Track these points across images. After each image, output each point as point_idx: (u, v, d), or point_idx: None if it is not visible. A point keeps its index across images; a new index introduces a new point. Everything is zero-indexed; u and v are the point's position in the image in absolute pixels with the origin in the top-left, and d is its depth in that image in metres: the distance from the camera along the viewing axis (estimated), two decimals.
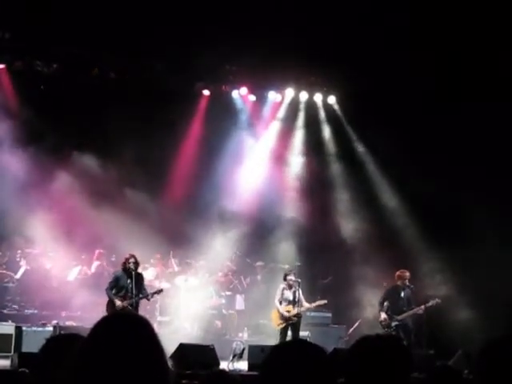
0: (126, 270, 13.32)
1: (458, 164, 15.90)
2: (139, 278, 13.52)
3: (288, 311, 14.31)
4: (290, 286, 14.44)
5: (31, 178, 16.36)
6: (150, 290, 14.82)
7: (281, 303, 14.41)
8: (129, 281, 13.25)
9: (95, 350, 2.26)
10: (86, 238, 16.58)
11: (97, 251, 17.10)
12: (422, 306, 14.11)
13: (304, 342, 2.63)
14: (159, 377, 2.29)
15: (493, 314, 14.85)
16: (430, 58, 15.68)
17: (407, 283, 14.29)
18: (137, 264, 13.45)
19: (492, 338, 3.17)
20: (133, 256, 13.50)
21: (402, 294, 14.33)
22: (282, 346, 2.54)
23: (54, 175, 16.75)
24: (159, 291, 14.15)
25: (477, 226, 16.00)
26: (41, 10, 14.93)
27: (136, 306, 13.30)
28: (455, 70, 15.98)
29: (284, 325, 14.31)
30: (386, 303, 14.32)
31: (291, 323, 14.33)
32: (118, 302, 13.12)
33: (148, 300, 13.74)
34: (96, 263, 17.06)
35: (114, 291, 13.29)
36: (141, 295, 13.38)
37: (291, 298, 14.37)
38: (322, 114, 19.58)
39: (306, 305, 14.62)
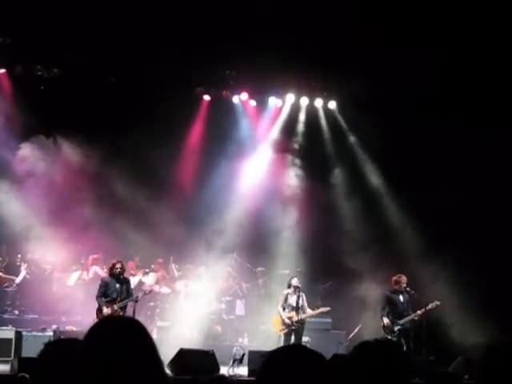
0: (114, 276, 13.84)
1: (461, 168, 15.87)
2: (126, 283, 14.08)
3: (290, 317, 14.36)
4: (294, 292, 14.50)
5: (31, 182, 16.37)
6: (149, 295, 14.93)
7: (284, 309, 14.47)
8: (117, 285, 13.78)
9: (90, 355, 2.26)
10: (86, 243, 16.59)
11: (91, 257, 17.10)
12: (423, 309, 14.10)
13: (302, 347, 2.62)
14: (155, 380, 2.29)
15: (493, 319, 14.82)
16: (431, 62, 15.67)
17: (405, 287, 14.29)
18: (123, 269, 14.07)
19: (493, 343, 3.17)
20: (119, 262, 14.12)
21: (402, 299, 14.32)
22: (280, 350, 2.52)
23: (53, 180, 16.73)
24: (148, 292, 14.92)
25: (479, 228, 16.01)
26: (41, 14, 14.95)
27: (124, 309, 13.71)
28: (457, 73, 15.97)
29: (286, 330, 14.36)
30: (386, 308, 14.33)
31: (294, 329, 14.36)
32: (105, 309, 13.52)
33: (136, 302, 13.97)
34: (93, 268, 17.02)
35: (103, 297, 13.70)
36: (128, 299, 13.80)
37: (294, 304, 14.42)
38: (323, 119, 19.58)
39: (308, 311, 14.66)
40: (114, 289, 13.68)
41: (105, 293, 13.70)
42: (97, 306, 13.70)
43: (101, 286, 13.87)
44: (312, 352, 2.54)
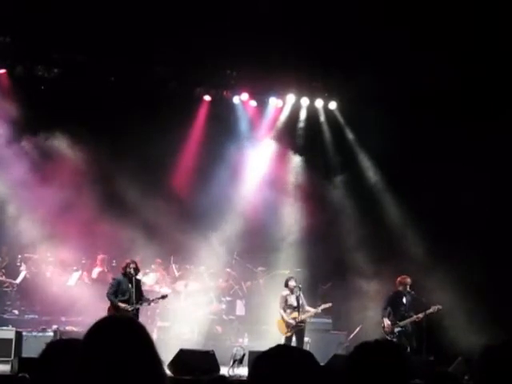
0: (127, 275, 13.29)
1: (463, 170, 15.85)
2: (139, 284, 13.50)
3: (294, 318, 14.27)
4: (291, 292, 14.46)
5: (31, 182, 16.37)
6: (150, 295, 14.83)
7: (285, 311, 14.40)
8: (130, 285, 13.21)
9: (90, 355, 2.27)
10: (86, 243, 16.59)
11: (99, 257, 17.06)
12: (424, 313, 14.11)
13: (289, 347, 2.64)
14: (155, 380, 2.30)
15: (494, 320, 14.82)
16: (431, 62, 15.67)
17: (408, 289, 14.32)
18: (137, 269, 13.45)
19: (492, 343, 3.18)
20: (133, 261, 13.52)
21: (404, 300, 14.37)
22: (265, 353, 2.51)
23: (54, 179, 16.73)
24: (164, 296, 14.03)
25: (481, 228, 16.01)
26: (42, 14, 14.96)
27: (137, 312, 13.20)
28: (458, 73, 15.96)
29: (292, 332, 14.26)
30: (388, 309, 14.34)
31: (296, 330, 14.29)
32: (123, 305, 13.02)
33: (148, 305, 13.73)
34: (98, 270, 17.02)
35: (115, 296, 13.22)
36: (142, 301, 13.33)
37: (295, 303, 14.36)
38: (323, 119, 19.56)
39: (311, 310, 14.60)
40: (127, 289, 13.09)
41: (115, 292, 13.13)
42: (104, 305, 13.18)
43: (112, 285, 13.28)
44: (299, 351, 2.55)
